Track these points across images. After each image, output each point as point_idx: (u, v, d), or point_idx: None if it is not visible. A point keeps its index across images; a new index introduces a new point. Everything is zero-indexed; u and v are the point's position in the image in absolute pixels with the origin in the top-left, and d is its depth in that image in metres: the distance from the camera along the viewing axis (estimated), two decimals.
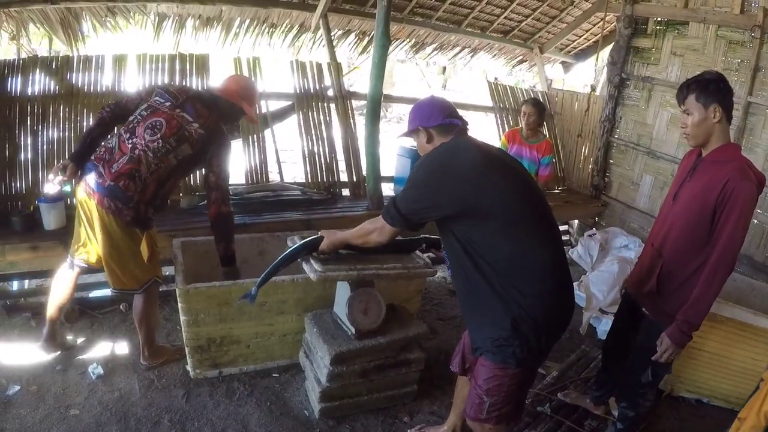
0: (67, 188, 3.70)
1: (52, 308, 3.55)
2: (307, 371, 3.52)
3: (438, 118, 2.45)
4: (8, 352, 3.71)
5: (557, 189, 6.73)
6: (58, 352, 3.65)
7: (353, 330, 3.21)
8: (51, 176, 3.36)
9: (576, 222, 6.80)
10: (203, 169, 3.49)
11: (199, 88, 4.57)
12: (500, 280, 2.21)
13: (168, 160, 3.20)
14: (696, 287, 2.59)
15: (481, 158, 2.29)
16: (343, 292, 3.27)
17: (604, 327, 4.47)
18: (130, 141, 3.18)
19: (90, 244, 3.37)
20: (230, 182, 3.57)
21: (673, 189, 2.86)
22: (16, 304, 4.28)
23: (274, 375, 3.74)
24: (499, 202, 2.20)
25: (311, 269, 2.93)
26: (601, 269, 5.24)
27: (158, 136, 3.17)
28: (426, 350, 3.58)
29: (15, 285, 4.61)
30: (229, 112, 3.48)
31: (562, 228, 7.00)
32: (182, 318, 3.37)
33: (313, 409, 3.41)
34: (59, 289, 3.53)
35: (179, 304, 3.34)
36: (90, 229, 3.30)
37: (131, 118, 3.29)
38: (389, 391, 3.46)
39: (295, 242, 3.13)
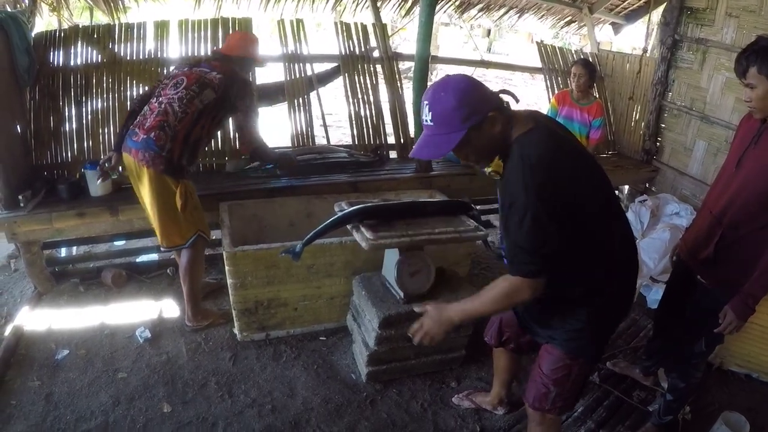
0: (115, 176, 3.97)
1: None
2: (355, 334, 3.55)
3: (494, 95, 1.97)
4: (57, 318, 3.82)
5: (607, 153, 6.57)
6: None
7: (402, 294, 3.21)
8: (98, 172, 3.68)
9: (626, 188, 6.64)
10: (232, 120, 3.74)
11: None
12: (581, 274, 2.10)
13: (194, 105, 3.31)
14: (762, 258, 2.49)
15: (581, 156, 2.06)
16: (392, 255, 3.26)
17: (654, 296, 4.39)
18: (157, 101, 3.36)
19: (143, 206, 3.54)
20: (274, 144, 3.67)
21: (734, 155, 2.69)
22: (64, 271, 4.39)
23: (321, 338, 3.78)
24: (591, 196, 2.00)
25: (362, 237, 2.96)
26: (653, 236, 5.13)
27: (181, 87, 3.34)
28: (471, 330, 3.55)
29: (63, 252, 4.70)
30: (240, 65, 3.63)
31: None
32: (229, 281, 3.42)
33: (360, 372, 3.45)
34: None
35: (226, 267, 3.38)
36: (136, 188, 3.47)
37: (156, 91, 3.48)
38: (437, 356, 3.46)
39: (342, 208, 3.14)
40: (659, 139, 6.19)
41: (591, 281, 2.10)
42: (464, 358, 3.59)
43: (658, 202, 5.72)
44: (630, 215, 5.78)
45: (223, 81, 3.38)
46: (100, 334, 3.67)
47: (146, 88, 3.93)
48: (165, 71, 4.52)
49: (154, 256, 4.64)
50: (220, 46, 3.87)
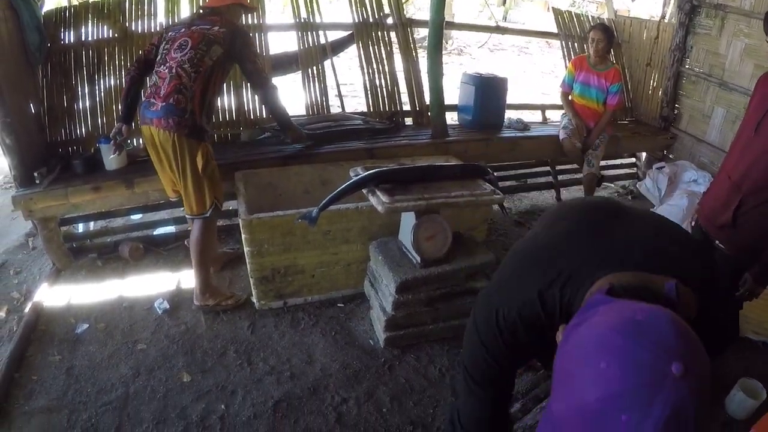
0: (129, 147, 4.03)
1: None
2: (372, 300, 3.54)
3: None
4: (76, 293, 3.85)
5: (625, 120, 6.50)
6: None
7: (418, 258, 3.20)
8: (111, 145, 3.65)
9: (644, 154, 6.58)
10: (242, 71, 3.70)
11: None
12: None
13: (204, 63, 3.30)
14: None
15: None
16: (408, 220, 3.25)
17: None
18: (165, 67, 3.33)
19: (163, 177, 3.55)
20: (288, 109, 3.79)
21: (752, 119, 2.64)
22: (82, 246, 4.41)
23: (338, 305, 3.79)
24: None
25: (378, 201, 2.95)
26: (670, 203, 5.10)
27: (188, 48, 3.30)
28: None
29: (80, 228, 4.73)
30: (232, 13, 3.60)
31: (629, 160, 6.86)
32: (246, 249, 3.42)
33: (378, 338, 3.45)
34: None
35: (243, 235, 3.39)
36: (158, 159, 3.44)
37: (158, 58, 3.44)
38: (454, 321, 3.44)
39: (358, 173, 3.12)
40: (677, 105, 6.11)
41: None
42: None
43: (676, 169, 5.67)
44: (647, 182, 5.75)
45: (227, 34, 3.38)
46: (119, 307, 3.70)
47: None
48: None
49: (171, 229, 4.65)
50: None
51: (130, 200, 4.06)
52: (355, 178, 3.07)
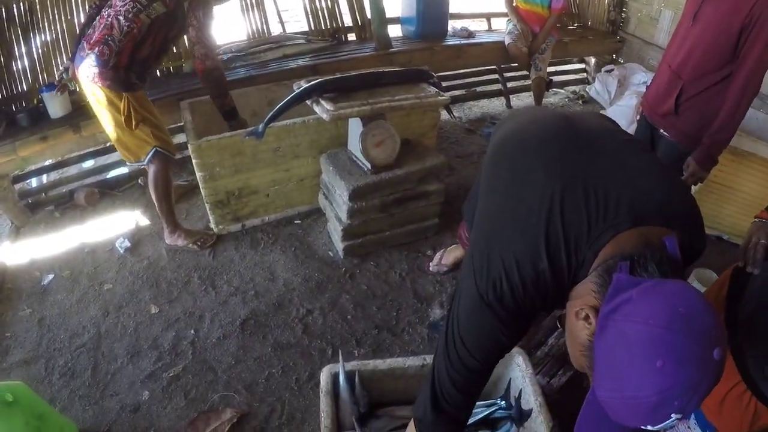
0: (74, 87, 3.67)
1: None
2: (328, 212, 3.55)
3: None
4: (38, 246, 3.79)
5: (572, 25, 6.46)
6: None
7: (369, 165, 3.20)
8: (56, 83, 3.50)
9: (593, 59, 6.58)
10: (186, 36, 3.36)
11: None
12: None
13: (140, 20, 3.06)
14: (723, 109, 2.55)
15: None
16: (355, 128, 3.23)
17: None
18: (106, 11, 3.11)
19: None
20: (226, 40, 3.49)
21: (690, 8, 2.68)
22: (37, 201, 4.31)
23: (295, 222, 3.81)
24: None
25: (323, 110, 2.93)
26: (620, 104, 5.14)
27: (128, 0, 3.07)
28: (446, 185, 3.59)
29: (34, 183, 4.62)
30: None
31: (578, 66, 6.86)
32: (198, 174, 3.38)
33: (337, 249, 3.48)
34: None
35: (193, 161, 3.34)
36: (95, 109, 3.30)
37: (108, 2, 3.18)
38: (411, 226, 3.49)
39: (301, 86, 3.08)
40: (624, 9, 6.11)
41: None
42: (438, 226, 3.63)
43: (625, 71, 5.70)
44: (597, 85, 5.79)
45: None
46: (82, 253, 3.66)
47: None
48: None
49: (124, 170, 4.55)
50: None
51: (80, 145, 3.97)
52: (298, 90, 3.03)
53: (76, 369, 2.80)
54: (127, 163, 3.54)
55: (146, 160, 3.30)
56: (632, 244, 1.17)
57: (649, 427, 1.01)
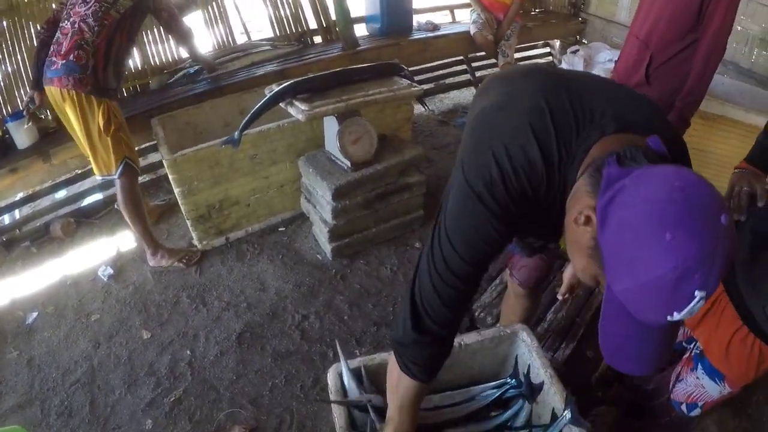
0: (42, 116, 3.73)
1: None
2: (312, 216, 3.50)
3: None
4: (17, 285, 3.65)
5: (534, 11, 6.48)
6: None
7: (348, 163, 3.15)
8: (24, 114, 3.47)
9: (557, 42, 6.60)
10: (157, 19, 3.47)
11: None
12: None
13: (110, 16, 3.05)
14: (691, 73, 2.62)
15: None
16: (331, 127, 3.18)
17: None
18: (68, 23, 3.06)
19: (75, 139, 3.32)
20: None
21: None
22: (12, 238, 4.16)
23: (280, 229, 3.74)
24: None
25: (297, 110, 2.89)
26: None
27: (92, 1, 3.03)
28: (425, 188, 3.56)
29: (6, 219, 4.51)
30: None
31: (542, 50, 6.87)
32: (176, 190, 3.30)
33: (325, 251, 3.43)
34: None
35: (170, 176, 3.26)
36: (65, 122, 3.23)
37: (63, 14, 3.15)
38: (396, 220, 3.46)
39: (273, 89, 3.03)
40: None
41: None
42: (423, 218, 3.60)
43: (590, 51, 5.74)
44: (564, 66, 5.78)
45: None
46: (64, 286, 3.54)
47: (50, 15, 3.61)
48: None
49: (98, 196, 4.45)
50: None
51: (50, 174, 3.85)
52: (271, 93, 2.98)
53: (73, 407, 2.70)
54: (99, 178, 3.41)
55: (117, 173, 3.22)
56: (619, 144, 1.12)
57: (675, 315, 0.94)
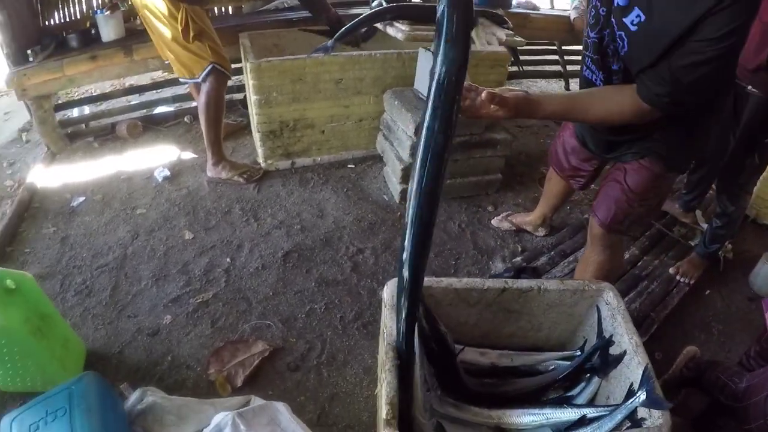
0: (124, 8, 3.72)
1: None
2: (387, 154, 3.31)
3: None
4: (72, 171, 3.60)
5: None
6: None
7: None
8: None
9: None
10: None
11: None
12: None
13: None
14: None
15: None
16: (425, 63, 2.98)
17: None
18: None
19: (153, 39, 3.22)
20: None
21: None
22: (77, 131, 4.11)
23: (349, 166, 3.58)
24: None
25: (397, 30, 2.76)
26: None
27: None
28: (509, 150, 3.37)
29: (75, 112, 4.45)
30: None
31: None
32: (253, 98, 3.14)
33: (392, 193, 3.26)
34: None
35: (250, 82, 3.10)
36: (146, 23, 3.12)
37: None
38: (473, 177, 3.25)
39: (381, 3, 2.92)
40: None
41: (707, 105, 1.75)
42: (500, 183, 3.39)
43: None
44: None
45: None
46: (117, 180, 3.45)
47: None
48: None
49: (170, 108, 4.37)
50: None
51: (129, 69, 3.74)
52: (373, 9, 2.81)
53: (94, 288, 2.59)
54: (180, 80, 3.30)
55: (201, 76, 3.08)
56: None
57: None
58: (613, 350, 1.66)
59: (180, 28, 2.94)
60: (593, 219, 2.12)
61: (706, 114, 1.77)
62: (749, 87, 2.61)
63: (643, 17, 1.46)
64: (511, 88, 1.67)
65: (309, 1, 3.32)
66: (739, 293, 2.87)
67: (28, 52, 3.47)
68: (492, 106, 1.55)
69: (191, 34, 2.96)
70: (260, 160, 3.43)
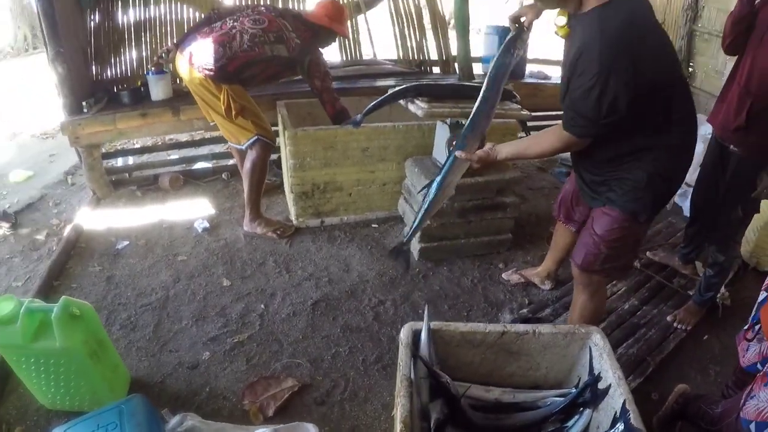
0: (167, 70, 4.03)
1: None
2: (407, 215, 3.58)
3: None
4: (116, 216, 3.90)
5: None
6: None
7: None
8: (155, 58, 3.73)
9: None
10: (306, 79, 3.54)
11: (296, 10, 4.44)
12: (647, 141, 2.04)
13: (263, 49, 3.27)
14: None
15: (658, 25, 1.97)
16: (441, 134, 3.28)
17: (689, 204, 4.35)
18: (231, 23, 3.32)
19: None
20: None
21: (758, 33, 2.69)
22: (121, 180, 4.45)
23: (373, 225, 3.84)
24: (660, 67, 1.93)
25: (417, 107, 2.99)
26: None
27: (259, 27, 3.28)
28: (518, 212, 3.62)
29: (119, 161, 4.82)
30: (323, 36, 3.55)
31: None
32: (289, 162, 3.46)
33: (412, 251, 3.46)
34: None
35: (287, 148, 3.42)
36: (194, 92, 3.46)
37: (233, 15, 3.43)
38: (485, 237, 3.47)
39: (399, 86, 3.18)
40: (691, 64, 6.09)
41: (650, 137, 2.04)
42: (511, 242, 3.61)
43: None
44: None
45: (299, 47, 3.35)
46: (159, 227, 3.74)
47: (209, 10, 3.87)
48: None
49: (208, 165, 4.68)
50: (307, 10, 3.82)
51: (176, 127, 4.10)
52: (396, 89, 3.09)
53: (138, 324, 2.83)
54: (222, 154, 3.64)
55: (246, 145, 3.41)
56: None
57: None
58: (601, 385, 1.89)
59: (224, 107, 3.27)
60: (572, 262, 2.40)
61: (660, 159, 2.06)
62: (731, 146, 2.82)
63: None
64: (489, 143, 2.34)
65: (340, 119, 3.53)
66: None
67: (83, 103, 3.84)
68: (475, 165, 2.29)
69: (233, 112, 3.29)
70: (292, 217, 3.71)
